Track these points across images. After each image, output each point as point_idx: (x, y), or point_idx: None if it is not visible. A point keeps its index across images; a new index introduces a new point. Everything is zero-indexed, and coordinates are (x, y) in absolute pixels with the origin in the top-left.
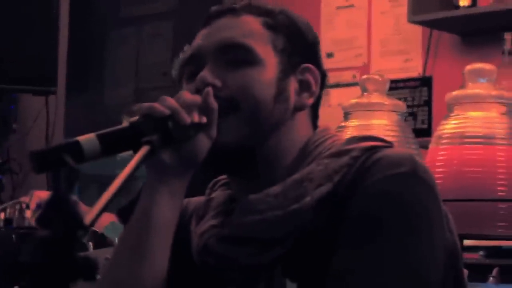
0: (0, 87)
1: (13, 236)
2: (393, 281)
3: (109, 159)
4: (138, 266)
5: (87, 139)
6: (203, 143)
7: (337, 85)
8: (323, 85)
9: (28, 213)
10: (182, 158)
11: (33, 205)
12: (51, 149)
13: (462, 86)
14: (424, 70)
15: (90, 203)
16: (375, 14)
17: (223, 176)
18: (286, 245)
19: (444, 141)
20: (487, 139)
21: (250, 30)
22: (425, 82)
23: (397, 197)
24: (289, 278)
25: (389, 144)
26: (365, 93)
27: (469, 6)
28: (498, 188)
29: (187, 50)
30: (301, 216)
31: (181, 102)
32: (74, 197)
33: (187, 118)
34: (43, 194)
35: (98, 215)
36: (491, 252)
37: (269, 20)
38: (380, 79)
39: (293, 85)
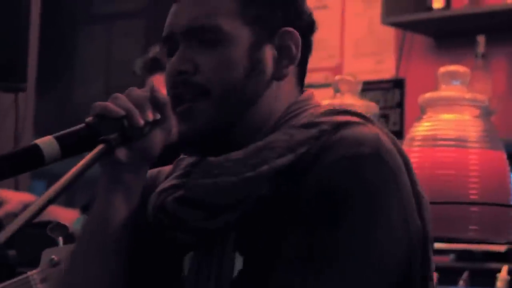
0: None
1: None
2: (346, 264)
3: None
4: (94, 270)
5: (46, 142)
6: (159, 137)
7: (309, 86)
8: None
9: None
10: (138, 155)
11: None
12: (9, 155)
13: (435, 88)
14: (397, 72)
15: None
16: (349, 16)
17: None
18: (236, 212)
19: (417, 143)
20: (460, 142)
21: (215, 5)
22: (398, 84)
23: (355, 178)
24: (238, 251)
25: (365, 121)
26: (338, 94)
27: (442, 9)
28: (470, 192)
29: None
30: (255, 185)
31: (133, 100)
32: None
33: (141, 119)
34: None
35: (42, 208)
36: (462, 255)
37: None
38: (353, 80)
39: (269, 53)
